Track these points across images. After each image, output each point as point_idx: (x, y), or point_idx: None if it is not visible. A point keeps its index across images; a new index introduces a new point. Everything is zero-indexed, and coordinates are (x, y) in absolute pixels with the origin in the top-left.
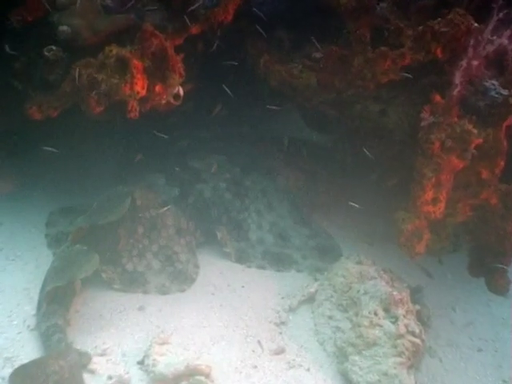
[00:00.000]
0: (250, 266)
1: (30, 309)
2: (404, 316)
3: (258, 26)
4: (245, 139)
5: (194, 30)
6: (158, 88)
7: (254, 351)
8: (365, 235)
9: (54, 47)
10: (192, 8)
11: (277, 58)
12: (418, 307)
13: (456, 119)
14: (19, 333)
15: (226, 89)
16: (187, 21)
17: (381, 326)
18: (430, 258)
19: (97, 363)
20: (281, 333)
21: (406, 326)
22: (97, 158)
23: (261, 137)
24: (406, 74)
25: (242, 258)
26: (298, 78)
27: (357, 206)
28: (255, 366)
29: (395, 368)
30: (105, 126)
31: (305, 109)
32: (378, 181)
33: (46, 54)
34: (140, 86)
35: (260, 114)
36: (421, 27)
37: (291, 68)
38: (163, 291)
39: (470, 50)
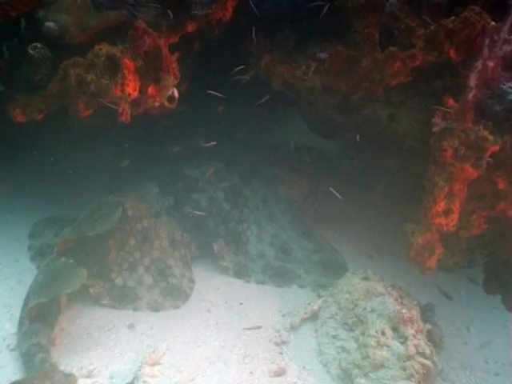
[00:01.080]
0: (248, 281)
1: (10, 327)
2: (414, 336)
3: (259, 25)
4: (243, 145)
5: (190, 27)
6: (151, 90)
7: (252, 373)
8: (372, 248)
9: (39, 45)
10: (188, 4)
11: (279, 59)
12: (428, 326)
13: (470, 125)
14: None
15: (215, 93)
16: (183, 18)
17: (389, 347)
18: (443, 273)
19: None
20: (281, 353)
21: (416, 346)
22: (85, 165)
23: (261, 143)
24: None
25: (240, 273)
26: (301, 81)
27: (337, 194)
28: None
29: None
30: (94, 130)
31: (308, 113)
32: (385, 190)
33: (31, 52)
34: (132, 88)
35: (260, 119)
36: (433, 26)
37: (294, 69)
38: (155, 308)
39: (486, 51)
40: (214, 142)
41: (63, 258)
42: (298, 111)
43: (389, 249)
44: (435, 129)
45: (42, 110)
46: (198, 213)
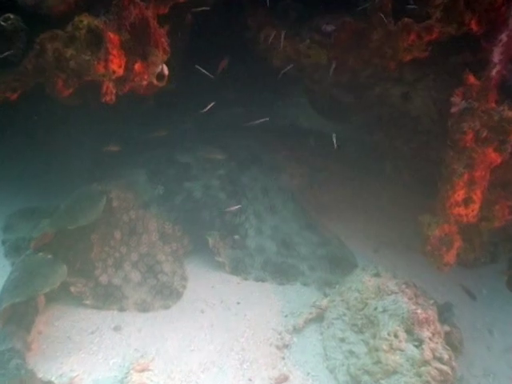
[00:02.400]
0: (247, 279)
1: None
2: (430, 339)
3: None
4: (241, 128)
5: None
6: (137, 66)
7: (251, 380)
8: (382, 241)
9: (12, 16)
10: None
11: (281, 32)
12: (446, 328)
13: (493, 105)
14: None
15: (203, 70)
16: None
17: (402, 351)
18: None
19: None
20: (283, 358)
21: (433, 350)
22: (65, 150)
23: (261, 125)
24: None
25: (237, 269)
26: (305, 56)
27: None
28: None
29: None
30: (74, 111)
31: (314, 93)
32: (397, 177)
33: (3, 24)
34: (116, 64)
35: (260, 99)
36: None
37: (298, 44)
38: (144, 308)
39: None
40: (213, 103)
41: (41, 254)
42: (302, 90)
43: (402, 242)
44: (454, 109)
45: (15, 88)
46: (231, 209)
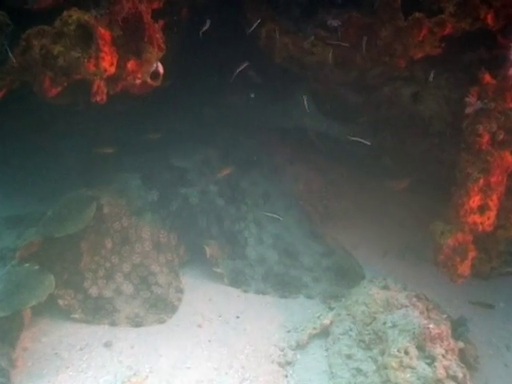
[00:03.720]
0: (247, 291)
1: None
2: (443, 356)
3: None
4: (241, 129)
5: None
6: (130, 64)
7: None
8: (392, 250)
9: None
10: None
11: (283, 28)
12: (461, 344)
13: (511, 105)
14: None
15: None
16: None
17: (413, 369)
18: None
19: None
20: (286, 376)
21: (446, 368)
22: (53, 153)
23: (262, 126)
24: None
25: (237, 281)
26: (309, 54)
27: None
28: None
29: None
30: (63, 112)
31: (318, 92)
32: (408, 182)
33: None
34: (108, 62)
35: (261, 98)
36: None
37: (301, 40)
38: (136, 322)
39: None
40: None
41: (27, 264)
42: (306, 90)
43: (412, 252)
44: (469, 110)
45: (0, 87)
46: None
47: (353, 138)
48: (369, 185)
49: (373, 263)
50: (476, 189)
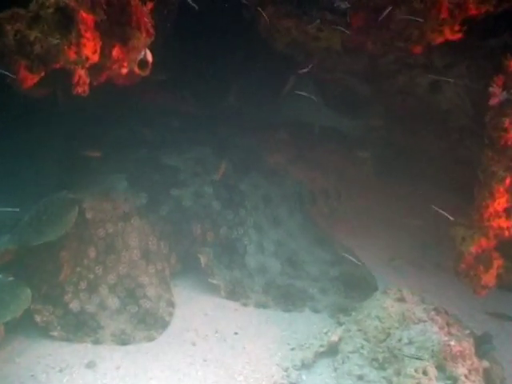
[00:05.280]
0: (246, 304)
1: None
2: (466, 376)
3: None
4: (239, 124)
5: None
6: (116, 52)
7: None
8: (407, 258)
9: None
10: None
11: (285, 11)
12: (485, 364)
13: None
14: None
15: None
16: None
17: None
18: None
19: None
20: None
21: None
22: (30, 152)
23: (262, 121)
24: None
25: (235, 293)
26: (314, 39)
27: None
28: None
29: None
30: (40, 105)
31: (324, 82)
32: (424, 182)
33: None
34: (90, 49)
35: (260, 90)
36: None
37: (305, 24)
38: (123, 340)
39: None
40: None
41: (0, 276)
42: (311, 80)
43: (430, 259)
44: (493, 101)
45: None
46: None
47: (300, 93)
48: (381, 186)
49: (385, 272)
50: (501, 189)
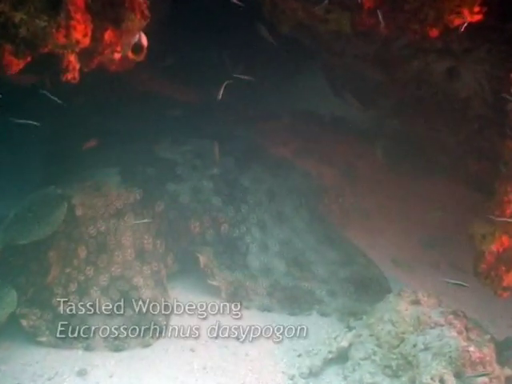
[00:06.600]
0: (248, 308)
1: None
2: None
3: None
4: (241, 114)
5: None
6: (108, 35)
7: None
8: (423, 257)
9: None
10: None
11: None
12: (508, 371)
13: None
14: None
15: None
16: None
17: None
18: None
19: None
20: None
21: None
22: (15, 144)
23: (266, 110)
24: None
25: (236, 296)
26: (322, 21)
27: None
28: None
29: None
30: (27, 92)
31: (333, 68)
32: (441, 176)
33: None
34: (80, 33)
35: (265, 77)
36: None
37: (313, 5)
38: (116, 346)
39: None
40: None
41: None
42: (318, 66)
43: (448, 259)
44: None
45: None
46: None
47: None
48: (394, 180)
49: (398, 273)
50: None
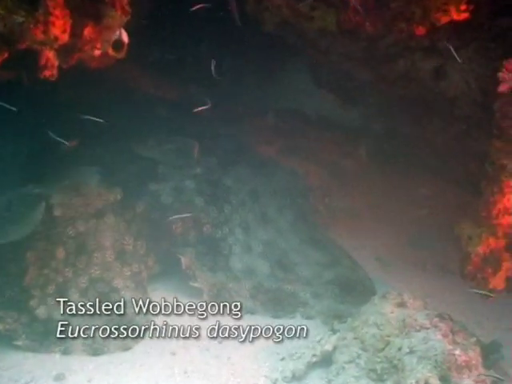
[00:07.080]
0: None
1: None
2: None
3: None
4: (224, 113)
5: None
6: (88, 31)
7: None
8: (409, 259)
9: None
10: None
11: None
12: (494, 375)
13: None
14: None
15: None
16: None
17: None
18: None
19: None
20: None
21: None
22: None
23: (249, 109)
24: None
25: (219, 298)
26: (307, 19)
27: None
28: None
29: None
30: (3, 89)
31: (318, 67)
32: (427, 176)
33: None
34: (59, 28)
35: (248, 75)
36: None
37: (297, 2)
38: (95, 350)
39: None
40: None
41: None
42: (304, 64)
43: (435, 259)
44: (502, 87)
45: None
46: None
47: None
48: (381, 179)
49: (383, 275)
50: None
